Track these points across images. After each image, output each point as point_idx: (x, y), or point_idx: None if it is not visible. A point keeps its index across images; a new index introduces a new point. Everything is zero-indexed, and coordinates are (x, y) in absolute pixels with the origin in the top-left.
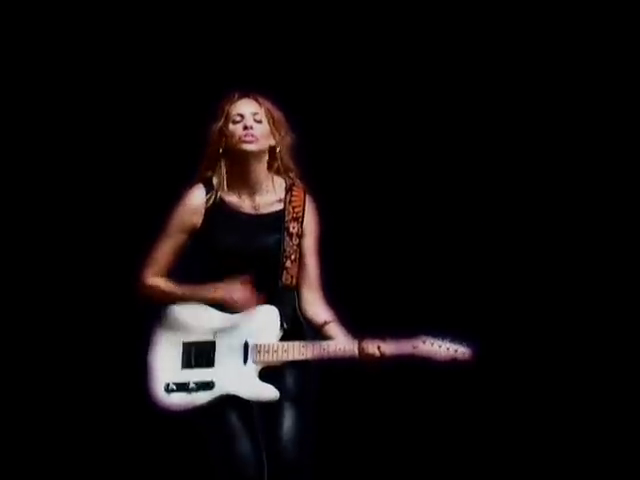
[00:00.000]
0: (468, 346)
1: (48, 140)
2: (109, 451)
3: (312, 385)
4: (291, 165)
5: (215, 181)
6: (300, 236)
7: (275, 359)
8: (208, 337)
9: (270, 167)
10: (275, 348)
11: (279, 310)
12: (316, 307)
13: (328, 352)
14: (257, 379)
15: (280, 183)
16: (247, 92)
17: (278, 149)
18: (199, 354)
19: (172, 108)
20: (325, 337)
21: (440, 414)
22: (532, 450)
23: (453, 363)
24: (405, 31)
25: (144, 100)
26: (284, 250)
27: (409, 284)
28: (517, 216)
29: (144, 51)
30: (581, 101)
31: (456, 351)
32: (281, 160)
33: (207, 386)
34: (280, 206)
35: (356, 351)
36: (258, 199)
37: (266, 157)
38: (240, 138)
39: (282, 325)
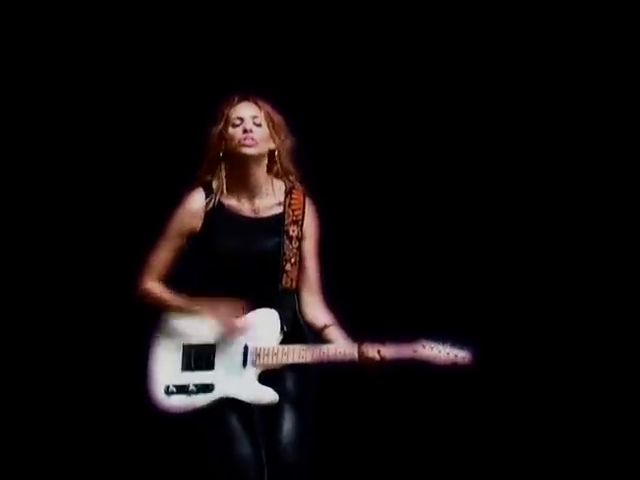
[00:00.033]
0: (468, 351)
1: (49, 140)
2: (109, 453)
3: (312, 388)
4: (291, 168)
5: (215, 185)
6: (300, 239)
7: (275, 362)
8: (208, 340)
9: (270, 170)
10: (275, 351)
11: (279, 313)
12: (316, 310)
13: (328, 356)
14: (257, 382)
15: (280, 186)
16: (247, 95)
17: (277, 152)
18: (199, 357)
19: (172, 111)
20: (325, 340)
21: (439, 418)
22: (531, 454)
23: (453, 368)
24: (405, 36)
25: (144, 103)
26: (284, 253)
27: (409, 287)
28: (517, 221)
29: (144, 54)
30: (581, 101)
31: (456, 356)
32: (281, 163)
33: (207, 389)
34: (280, 209)
35: (356, 355)
36: (258, 202)
37: (266, 160)
38: (240, 141)
39: (282, 328)
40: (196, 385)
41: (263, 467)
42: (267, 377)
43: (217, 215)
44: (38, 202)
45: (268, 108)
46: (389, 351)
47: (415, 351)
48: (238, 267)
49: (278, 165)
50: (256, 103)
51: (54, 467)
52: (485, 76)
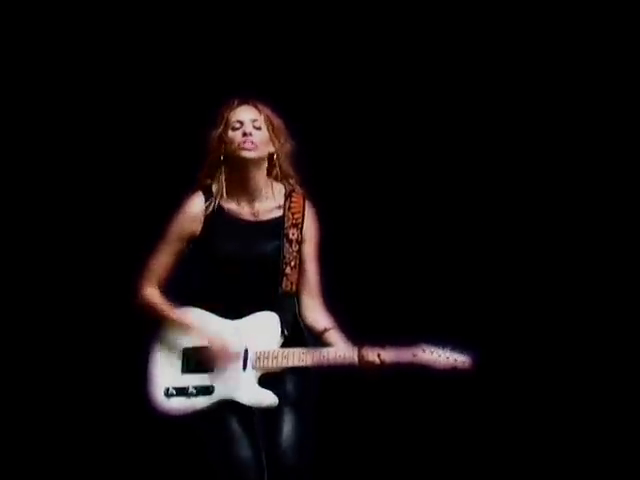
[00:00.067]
0: (468, 355)
1: (47, 144)
2: (109, 455)
3: (312, 391)
4: (290, 172)
5: (215, 188)
6: (300, 242)
7: (275, 365)
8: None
9: (270, 174)
10: (275, 354)
11: (280, 317)
12: (316, 314)
13: (328, 359)
14: (256, 385)
15: (280, 189)
16: (247, 99)
17: (277, 156)
18: (199, 359)
19: (172, 115)
20: (325, 344)
21: (439, 421)
22: (531, 458)
23: (453, 372)
24: (404, 40)
25: (144, 107)
26: (284, 257)
27: (409, 291)
28: (516, 226)
29: (144, 58)
30: (581, 101)
31: (456, 360)
32: (280, 167)
33: (207, 391)
34: (279, 212)
35: (356, 358)
36: (257, 206)
37: (265, 164)
38: (239, 145)
39: (283, 332)
40: (196, 387)
41: (263, 470)
42: (267, 380)
43: (217, 219)
44: (38, 202)
45: (268, 111)
46: (389, 355)
47: (415, 355)
48: (238, 271)
49: (278, 168)
50: (256, 106)
51: (55, 470)
52: (486, 85)
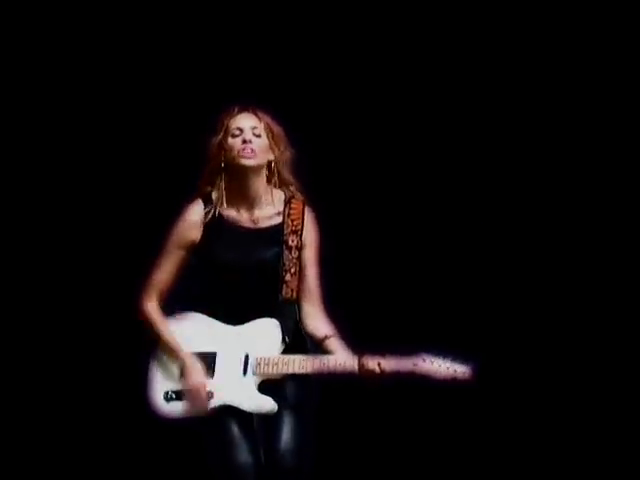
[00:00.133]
0: (468, 365)
1: (47, 148)
2: (108, 459)
3: (312, 397)
4: (290, 179)
5: (214, 196)
6: (299, 249)
7: (275, 372)
8: (209, 348)
9: (269, 181)
10: (275, 361)
11: (280, 324)
12: (317, 321)
13: (328, 367)
14: (256, 391)
15: (279, 196)
16: (247, 106)
17: (276, 163)
18: (200, 364)
19: (172, 122)
20: (325, 351)
21: (437, 428)
22: (530, 469)
23: (453, 382)
24: (404, 50)
25: (144, 114)
26: (283, 264)
27: (410, 299)
28: (518, 236)
29: (144, 65)
30: (581, 102)
31: (456, 371)
32: (280, 174)
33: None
34: (279, 219)
35: (356, 367)
36: (257, 213)
37: (265, 171)
38: (239, 152)
39: (284, 339)
40: None
41: (262, 475)
42: (267, 386)
43: (216, 226)
44: (38, 202)
45: (268, 119)
46: (389, 364)
47: (415, 365)
48: (238, 278)
49: (277, 176)
50: (256, 114)
51: (55, 473)
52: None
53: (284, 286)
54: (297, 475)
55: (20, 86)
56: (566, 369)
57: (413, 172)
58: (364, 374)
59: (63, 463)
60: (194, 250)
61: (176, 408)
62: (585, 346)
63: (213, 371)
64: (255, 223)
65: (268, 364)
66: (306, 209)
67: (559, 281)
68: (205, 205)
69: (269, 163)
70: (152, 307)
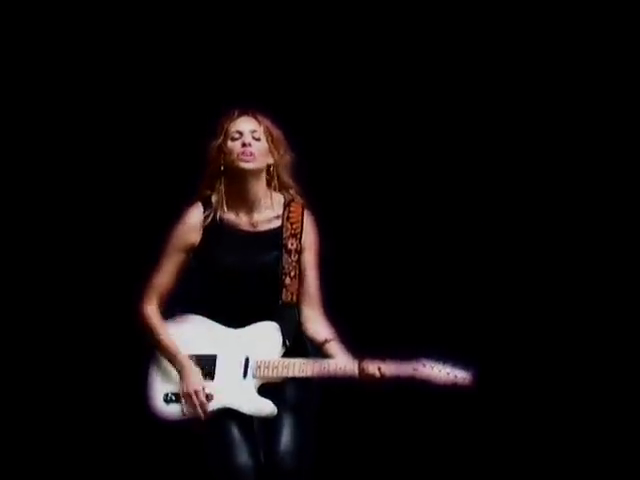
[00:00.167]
0: (469, 371)
1: (48, 151)
2: (108, 461)
3: (312, 400)
4: (290, 183)
5: (214, 199)
6: (299, 252)
7: (275, 375)
8: (209, 350)
9: (269, 184)
10: (275, 364)
11: (281, 327)
12: (317, 325)
13: (328, 371)
14: (256, 394)
15: (279, 200)
16: (246, 110)
17: (276, 167)
18: (200, 367)
19: (172, 125)
20: (325, 355)
21: (436, 432)
22: (530, 474)
23: (453, 388)
24: (402, 54)
25: (144, 117)
26: (283, 267)
27: (411, 303)
28: (518, 242)
29: (144, 68)
30: (581, 102)
31: (456, 376)
32: (279, 178)
33: (206, 398)
34: (278, 223)
35: (356, 371)
36: (256, 216)
37: (264, 175)
38: (238, 156)
39: (284, 342)
40: None
41: (262, 477)
42: (267, 389)
43: (215, 230)
44: (39, 205)
45: (267, 123)
46: (389, 368)
47: (415, 369)
48: (238, 282)
49: (277, 179)
50: (255, 117)
51: (55, 474)
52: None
53: (284, 290)
54: (297, 477)
55: (21, 93)
56: (566, 375)
57: (412, 176)
58: (364, 378)
59: (63, 464)
60: (194, 253)
61: (176, 410)
62: (585, 352)
63: (213, 374)
64: (254, 226)
65: (268, 367)
66: (305, 212)
67: (560, 286)
68: (205, 208)
69: (268, 167)
70: (152, 310)
